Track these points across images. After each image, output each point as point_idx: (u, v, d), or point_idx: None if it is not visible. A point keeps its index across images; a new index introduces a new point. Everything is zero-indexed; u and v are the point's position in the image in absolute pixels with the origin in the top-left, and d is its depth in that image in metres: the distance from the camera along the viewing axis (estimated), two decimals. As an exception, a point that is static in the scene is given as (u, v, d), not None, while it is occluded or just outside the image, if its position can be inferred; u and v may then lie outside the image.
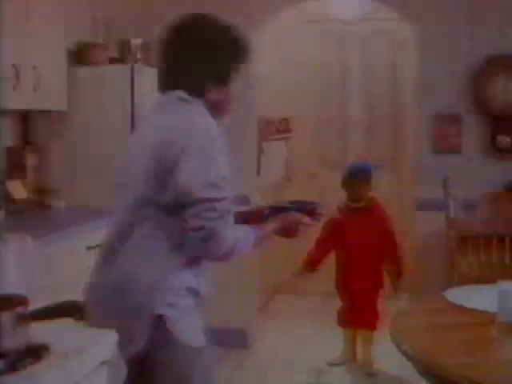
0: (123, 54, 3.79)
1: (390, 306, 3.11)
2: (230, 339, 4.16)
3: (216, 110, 1.81)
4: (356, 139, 5.48)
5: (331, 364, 3.85)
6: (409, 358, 1.83)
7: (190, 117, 1.72)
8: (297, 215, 1.91)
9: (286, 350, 4.17)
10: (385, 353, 3.34)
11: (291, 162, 5.54)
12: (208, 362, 1.78)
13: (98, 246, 1.89)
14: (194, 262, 1.74)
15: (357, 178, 3.70)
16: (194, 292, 1.75)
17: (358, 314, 3.73)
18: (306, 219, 1.92)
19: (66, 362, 1.30)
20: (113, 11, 4.04)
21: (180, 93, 1.75)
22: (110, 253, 1.75)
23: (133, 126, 3.45)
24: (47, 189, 3.56)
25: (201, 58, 1.78)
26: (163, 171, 1.67)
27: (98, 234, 1.99)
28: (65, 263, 2.72)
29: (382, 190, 4.32)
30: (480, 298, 2.22)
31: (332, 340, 4.04)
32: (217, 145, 1.69)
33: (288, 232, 1.91)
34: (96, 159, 3.50)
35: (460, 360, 1.77)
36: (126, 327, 1.61)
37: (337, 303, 3.89)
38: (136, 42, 3.87)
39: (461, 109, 3.89)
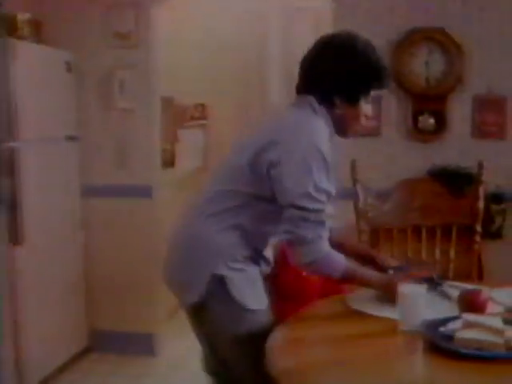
0: (9, 30, 3.34)
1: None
2: (136, 345, 3.84)
3: (340, 126, 1.90)
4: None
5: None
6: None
7: (308, 124, 1.82)
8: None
9: (195, 360, 3.75)
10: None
11: (209, 151, 5.12)
12: (266, 324, 1.82)
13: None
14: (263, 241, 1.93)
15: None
16: (257, 262, 1.90)
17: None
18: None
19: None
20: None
21: (311, 98, 1.87)
22: (195, 212, 1.92)
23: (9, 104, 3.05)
24: None
25: (337, 74, 1.84)
26: (260, 164, 1.81)
27: None
28: None
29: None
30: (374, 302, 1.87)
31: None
32: (320, 159, 1.77)
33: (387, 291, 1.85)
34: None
35: None
36: (187, 280, 1.86)
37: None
38: (23, 17, 3.43)
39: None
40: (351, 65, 1.84)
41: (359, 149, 3.54)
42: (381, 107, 3.53)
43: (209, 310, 1.83)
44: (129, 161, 3.76)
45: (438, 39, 3.39)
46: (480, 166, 2.54)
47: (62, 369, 3.55)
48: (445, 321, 1.63)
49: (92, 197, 3.80)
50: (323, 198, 1.77)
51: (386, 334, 1.67)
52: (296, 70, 1.96)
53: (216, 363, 2.02)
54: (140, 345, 3.83)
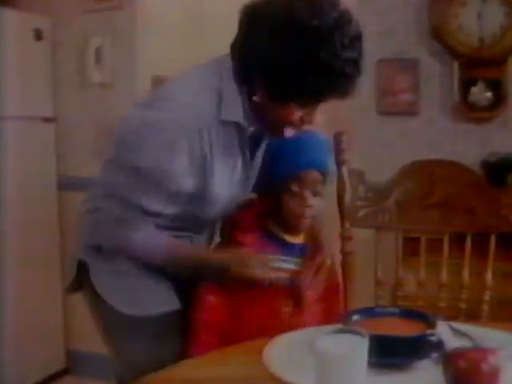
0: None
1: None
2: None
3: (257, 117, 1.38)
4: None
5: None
6: None
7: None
8: None
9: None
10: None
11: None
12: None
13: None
14: None
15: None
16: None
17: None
18: None
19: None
20: None
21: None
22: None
23: None
24: None
25: (259, 48, 1.28)
26: None
27: None
28: None
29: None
30: (299, 359, 1.05)
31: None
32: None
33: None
34: None
35: None
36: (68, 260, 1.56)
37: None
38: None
39: (415, 50, 2.70)
40: (283, 44, 1.23)
41: (388, 132, 2.73)
42: (418, 76, 2.70)
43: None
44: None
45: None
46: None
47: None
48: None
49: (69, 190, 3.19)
50: None
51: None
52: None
53: None
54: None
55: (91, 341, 3.37)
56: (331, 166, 1.54)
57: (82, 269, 1.48)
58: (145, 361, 1.37)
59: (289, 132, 1.38)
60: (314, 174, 1.46)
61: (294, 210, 1.46)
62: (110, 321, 1.48)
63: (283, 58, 1.24)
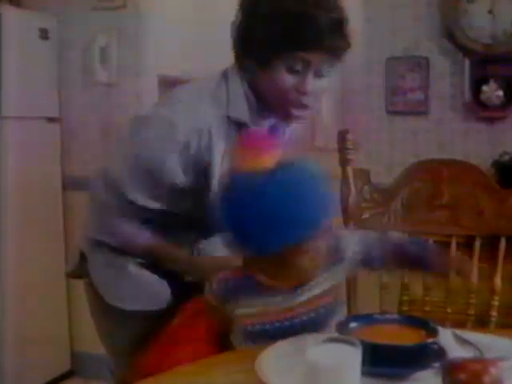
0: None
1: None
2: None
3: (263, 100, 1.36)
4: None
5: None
6: None
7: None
8: None
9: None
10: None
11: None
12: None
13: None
14: None
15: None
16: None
17: None
18: None
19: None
20: None
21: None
22: None
23: None
24: None
25: (237, 21, 1.38)
26: None
27: None
28: None
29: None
30: (291, 369, 0.99)
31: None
32: None
33: None
34: None
35: None
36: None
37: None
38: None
39: (425, 48, 2.63)
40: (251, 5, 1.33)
41: (398, 131, 2.67)
42: (428, 74, 2.63)
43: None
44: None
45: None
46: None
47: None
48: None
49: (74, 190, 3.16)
50: None
51: None
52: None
53: None
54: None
55: (97, 343, 3.34)
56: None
57: (83, 258, 1.52)
58: (123, 353, 1.45)
59: (296, 112, 1.35)
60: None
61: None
62: (98, 309, 1.53)
63: (268, 7, 1.29)
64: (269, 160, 1.02)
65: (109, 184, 1.39)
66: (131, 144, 1.39)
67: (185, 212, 1.40)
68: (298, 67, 1.29)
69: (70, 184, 3.17)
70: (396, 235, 1.33)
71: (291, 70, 1.30)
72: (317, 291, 1.15)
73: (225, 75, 1.40)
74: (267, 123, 1.41)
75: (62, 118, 3.15)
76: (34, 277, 3.00)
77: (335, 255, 1.18)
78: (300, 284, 1.14)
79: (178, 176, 1.33)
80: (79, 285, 3.34)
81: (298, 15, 1.25)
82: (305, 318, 1.15)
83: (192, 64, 3.29)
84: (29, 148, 2.98)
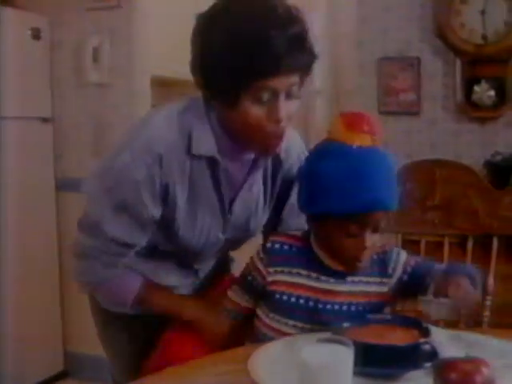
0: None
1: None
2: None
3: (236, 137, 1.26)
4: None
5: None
6: None
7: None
8: None
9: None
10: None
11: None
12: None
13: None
14: None
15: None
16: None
17: None
18: None
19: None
20: None
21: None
22: None
23: None
24: None
25: (193, 57, 1.31)
26: None
27: None
28: None
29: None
30: (284, 369, 0.99)
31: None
32: None
33: None
34: None
35: None
36: None
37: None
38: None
39: (417, 48, 2.65)
40: (208, 39, 1.24)
41: (390, 131, 2.67)
42: (420, 75, 2.64)
43: None
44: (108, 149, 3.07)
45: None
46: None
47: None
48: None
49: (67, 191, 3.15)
50: None
51: None
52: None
53: None
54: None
55: (90, 343, 3.33)
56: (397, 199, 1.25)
57: None
58: (124, 357, 1.46)
59: (274, 141, 1.23)
60: (379, 215, 1.19)
61: (349, 251, 1.20)
62: (100, 313, 1.52)
63: (218, 39, 1.20)
64: (364, 138, 1.19)
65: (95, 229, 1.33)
66: (100, 178, 1.33)
67: (167, 244, 1.36)
68: (266, 97, 1.16)
69: (62, 185, 3.16)
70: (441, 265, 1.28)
71: (259, 102, 1.17)
72: (360, 289, 1.23)
73: (195, 106, 1.30)
74: (246, 157, 1.32)
75: (54, 118, 3.15)
76: (28, 276, 2.99)
77: (383, 266, 1.27)
78: (350, 271, 1.23)
79: (150, 205, 1.26)
80: (73, 286, 3.30)
81: (250, 42, 1.13)
82: (337, 307, 1.21)
83: (184, 65, 3.27)
84: (21, 148, 2.97)
